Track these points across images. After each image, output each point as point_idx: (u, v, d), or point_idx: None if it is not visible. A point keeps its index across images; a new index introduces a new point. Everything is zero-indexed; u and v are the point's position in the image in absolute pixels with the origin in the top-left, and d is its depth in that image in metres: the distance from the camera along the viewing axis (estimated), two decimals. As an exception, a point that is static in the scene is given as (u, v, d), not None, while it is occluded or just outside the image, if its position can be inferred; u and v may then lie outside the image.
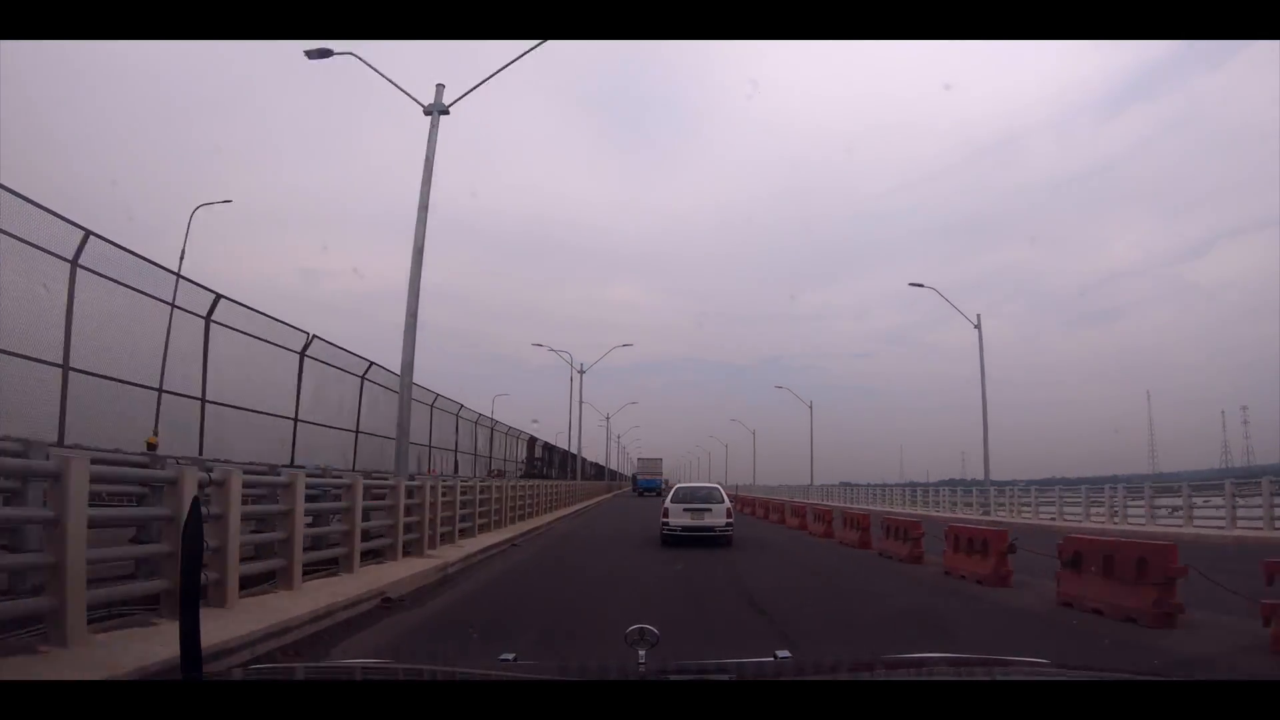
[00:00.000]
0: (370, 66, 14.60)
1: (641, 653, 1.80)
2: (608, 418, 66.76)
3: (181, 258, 21.78)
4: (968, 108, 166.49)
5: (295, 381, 13.84)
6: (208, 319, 11.20)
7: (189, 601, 1.55)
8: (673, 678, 1.76)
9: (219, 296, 11.27)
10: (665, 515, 16.79)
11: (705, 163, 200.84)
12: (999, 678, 1.79)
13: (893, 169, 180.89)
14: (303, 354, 13.99)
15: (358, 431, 16.47)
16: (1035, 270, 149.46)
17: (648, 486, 73.87)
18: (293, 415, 13.77)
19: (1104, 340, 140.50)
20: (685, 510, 16.77)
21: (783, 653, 2.21)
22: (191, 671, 1.50)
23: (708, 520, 16.65)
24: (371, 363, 16.73)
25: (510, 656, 2.18)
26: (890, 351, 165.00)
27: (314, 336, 14.24)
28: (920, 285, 35.48)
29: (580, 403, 34.09)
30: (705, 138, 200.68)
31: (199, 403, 11.20)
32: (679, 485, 18.17)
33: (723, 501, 17.20)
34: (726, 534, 16.79)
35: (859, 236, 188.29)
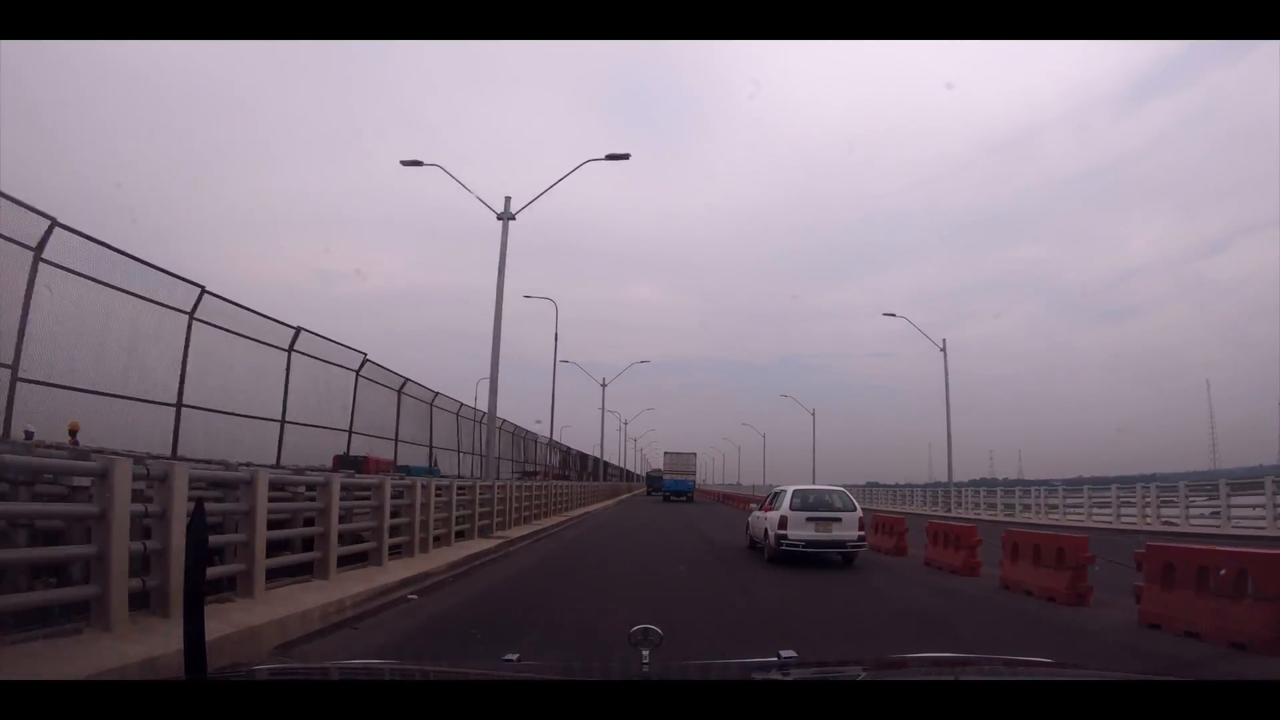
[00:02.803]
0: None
1: (645, 653, 1.86)
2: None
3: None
4: (981, 104, 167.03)
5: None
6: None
7: (193, 602, 1.63)
8: (676, 678, 1.83)
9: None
10: (782, 526, 14.00)
11: (716, 164, 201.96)
12: (1002, 678, 1.86)
13: (905, 167, 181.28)
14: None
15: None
16: (1052, 267, 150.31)
17: (676, 490, 59.68)
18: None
19: (1123, 337, 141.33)
20: (809, 520, 13.98)
21: (787, 652, 2.28)
22: (195, 671, 1.57)
23: (836, 533, 13.93)
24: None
25: (514, 657, 2.25)
26: (907, 351, 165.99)
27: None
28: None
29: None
30: (716, 138, 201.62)
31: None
32: (795, 489, 14.89)
33: (854, 509, 14.39)
34: (858, 549, 14.11)
35: (873, 235, 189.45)
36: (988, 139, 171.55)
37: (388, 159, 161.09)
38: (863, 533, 14.20)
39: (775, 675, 2.01)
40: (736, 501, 48.54)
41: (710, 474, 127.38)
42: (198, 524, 1.62)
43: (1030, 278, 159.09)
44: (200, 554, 1.62)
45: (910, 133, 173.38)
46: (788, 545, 13.88)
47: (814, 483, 38.31)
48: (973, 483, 57.26)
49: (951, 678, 2.02)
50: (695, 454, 67.20)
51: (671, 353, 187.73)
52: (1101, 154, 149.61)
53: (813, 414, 58.05)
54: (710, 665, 2.08)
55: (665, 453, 66.01)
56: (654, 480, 72.36)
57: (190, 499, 6.52)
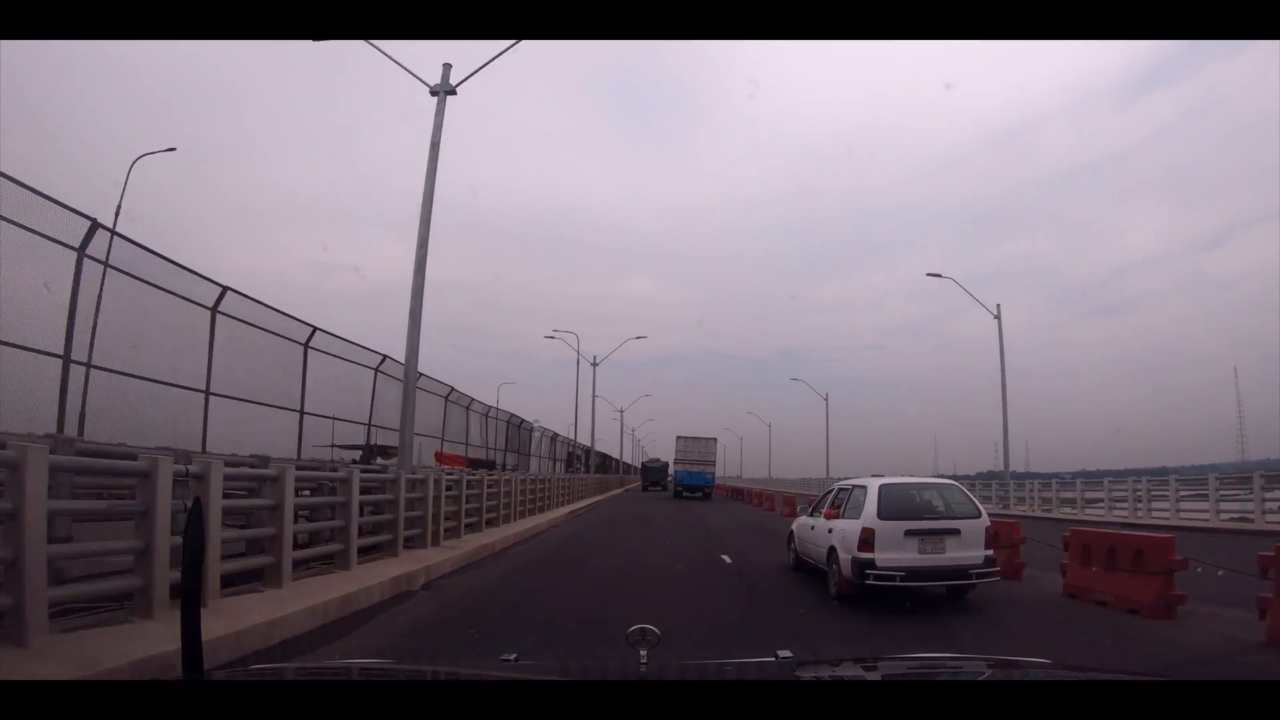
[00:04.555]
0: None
1: (643, 653, 1.87)
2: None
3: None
4: (980, 99, 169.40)
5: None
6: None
7: (190, 601, 1.63)
8: (674, 678, 1.84)
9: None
10: (865, 546, 8.85)
11: (715, 158, 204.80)
12: (1000, 678, 1.87)
13: (903, 162, 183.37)
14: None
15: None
16: (1052, 261, 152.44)
17: (691, 483, 47.98)
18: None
19: (1124, 331, 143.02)
20: (910, 535, 8.90)
21: (784, 653, 2.29)
22: (192, 671, 1.58)
23: (953, 554, 8.90)
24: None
25: (512, 657, 2.26)
26: (906, 344, 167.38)
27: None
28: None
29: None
30: (714, 133, 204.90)
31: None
32: (883, 483, 9.66)
33: (977, 515, 9.32)
34: (985, 577, 8.96)
35: (871, 230, 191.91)
36: (986, 133, 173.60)
37: (385, 154, 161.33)
38: (990, 551, 9.16)
39: (773, 675, 2.03)
40: (755, 499, 41.64)
41: (719, 466, 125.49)
42: (194, 523, 1.61)
43: (1029, 271, 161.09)
44: (196, 553, 1.62)
45: (908, 127, 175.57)
46: (877, 575, 8.70)
47: (1006, 467, 32.71)
48: (979, 475, 56.88)
49: (950, 677, 2.03)
50: (715, 439, 53.10)
51: (670, 345, 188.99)
52: (1101, 148, 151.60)
53: (825, 398, 45.27)
54: (708, 665, 2.09)
55: (678, 437, 51.86)
56: (650, 472, 63.40)
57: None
